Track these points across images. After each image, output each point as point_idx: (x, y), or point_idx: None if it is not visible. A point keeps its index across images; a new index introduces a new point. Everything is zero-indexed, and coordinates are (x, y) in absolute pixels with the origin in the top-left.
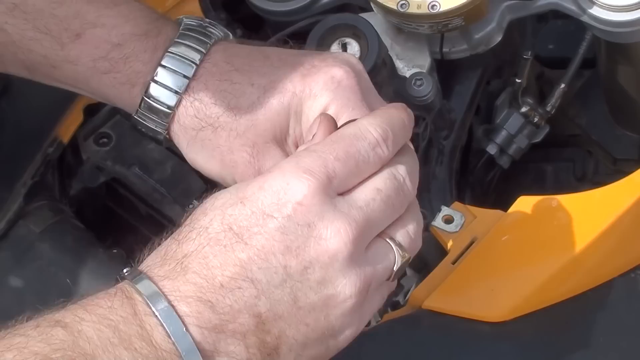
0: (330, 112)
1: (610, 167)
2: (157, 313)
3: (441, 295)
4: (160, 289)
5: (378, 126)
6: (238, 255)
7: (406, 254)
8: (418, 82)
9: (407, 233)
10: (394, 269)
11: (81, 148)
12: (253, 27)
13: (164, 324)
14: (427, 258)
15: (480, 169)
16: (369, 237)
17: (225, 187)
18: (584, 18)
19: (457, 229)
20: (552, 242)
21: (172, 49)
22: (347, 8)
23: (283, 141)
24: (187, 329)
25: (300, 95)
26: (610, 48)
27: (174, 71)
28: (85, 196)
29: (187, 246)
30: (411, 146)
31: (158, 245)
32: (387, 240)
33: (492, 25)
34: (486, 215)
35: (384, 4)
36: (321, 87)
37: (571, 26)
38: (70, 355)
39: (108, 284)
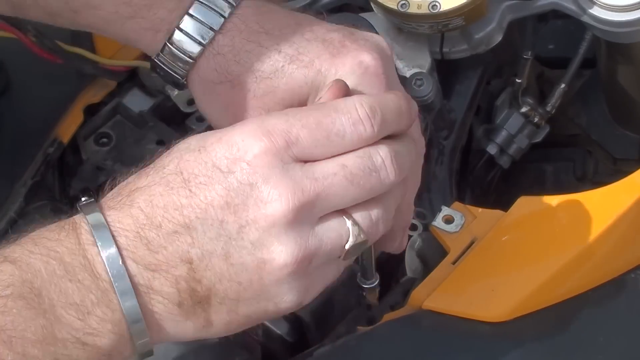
0: None
1: (610, 167)
2: (98, 243)
3: (441, 295)
4: (105, 219)
5: (367, 104)
6: (181, 200)
7: (362, 236)
8: (418, 82)
9: (370, 216)
10: (346, 247)
11: (81, 148)
12: None
13: (102, 254)
14: (427, 258)
15: (481, 169)
16: (321, 210)
17: None
18: (584, 18)
19: (457, 229)
20: (552, 242)
21: None
22: (347, 8)
23: None
24: (123, 262)
25: (326, 74)
26: (610, 48)
27: (201, 21)
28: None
29: (140, 180)
30: (417, 138)
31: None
32: (344, 217)
33: (492, 25)
34: (486, 215)
35: (384, 4)
36: (348, 70)
37: (571, 26)
38: (19, 291)
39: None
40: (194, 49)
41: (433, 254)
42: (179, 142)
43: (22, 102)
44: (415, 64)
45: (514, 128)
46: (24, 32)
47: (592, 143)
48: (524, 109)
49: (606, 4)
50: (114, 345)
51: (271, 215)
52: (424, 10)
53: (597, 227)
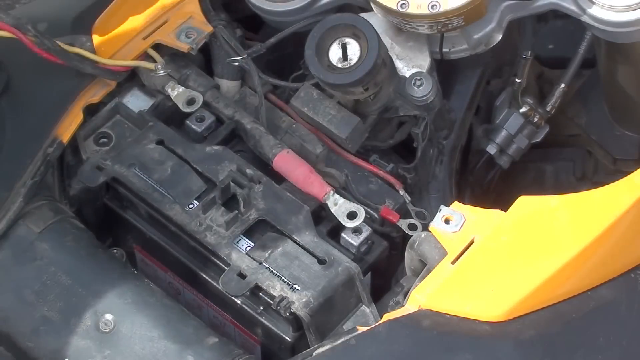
0: None
1: (610, 167)
2: None
3: (441, 295)
4: None
5: None
6: None
7: None
8: (418, 82)
9: None
10: None
11: (81, 148)
12: (253, 27)
13: None
14: (426, 258)
15: (480, 169)
16: None
17: None
18: (584, 18)
19: (457, 229)
20: (552, 242)
21: None
22: (347, 8)
23: None
24: None
25: None
26: (610, 48)
27: None
28: (85, 196)
29: None
30: None
31: None
32: None
33: (491, 25)
34: (486, 215)
35: (384, 4)
36: None
37: (571, 26)
38: None
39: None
40: None
41: (433, 254)
42: None
43: (22, 102)
44: (415, 64)
45: (514, 128)
46: (24, 32)
47: (592, 143)
48: (523, 109)
49: (606, 4)
50: None
51: None
52: (424, 10)
53: (597, 227)
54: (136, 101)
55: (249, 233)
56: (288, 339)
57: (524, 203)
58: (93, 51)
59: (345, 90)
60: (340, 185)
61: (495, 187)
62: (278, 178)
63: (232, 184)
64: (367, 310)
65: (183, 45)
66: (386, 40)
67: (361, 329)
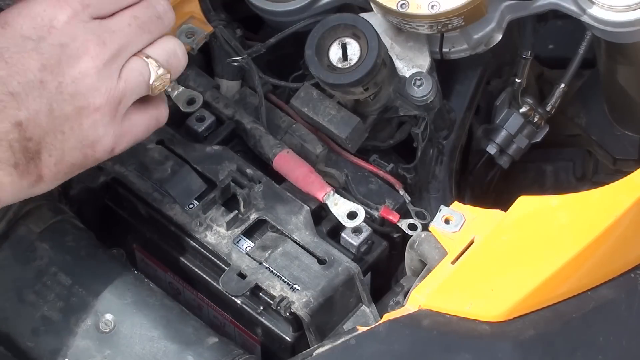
0: None
1: (610, 167)
2: None
3: (441, 295)
4: None
5: None
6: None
7: (161, 69)
8: (418, 82)
9: (165, 50)
10: (150, 82)
11: None
12: (253, 27)
13: None
14: (426, 258)
15: (480, 169)
16: (124, 57)
17: None
18: (584, 18)
19: (457, 229)
20: (552, 242)
21: None
22: (347, 8)
23: None
24: None
25: None
26: (610, 48)
27: None
28: (85, 196)
29: None
30: None
31: None
32: (143, 58)
33: (491, 25)
34: (486, 215)
35: (384, 4)
36: None
37: (571, 26)
38: None
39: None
40: None
41: (433, 254)
42: None
43: None
44: (415, 64)
45: (514, 128)
46: None
47: (591, 143)
48: (523, 109)
49: (606, 4)
50: None
51: (84, 66)
52: (424, 10)
53: (597, 227)
54: None
55: (249, 233)
56: (288, 339)
57: (524, 203)
58: None
59: (345, 90)
60: (340, 185)
61: (495, 187)
62: (278, 178)
63: (232, 183)
64: (367, 310)
65: None
66: (386, 40)
67: (361, 329)
